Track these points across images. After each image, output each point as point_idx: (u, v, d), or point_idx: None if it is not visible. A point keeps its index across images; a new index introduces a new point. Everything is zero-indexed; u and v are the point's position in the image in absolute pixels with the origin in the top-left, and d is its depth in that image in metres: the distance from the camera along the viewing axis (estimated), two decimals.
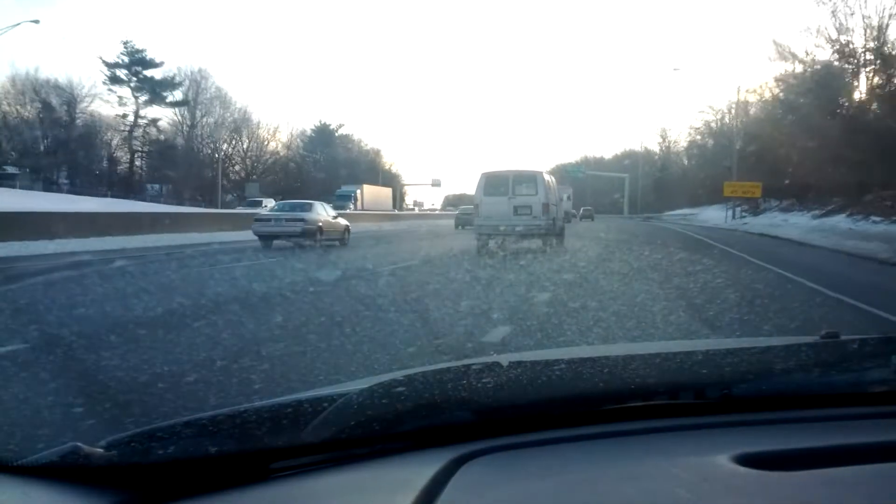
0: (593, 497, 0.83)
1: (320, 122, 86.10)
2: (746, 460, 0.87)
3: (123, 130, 61.75)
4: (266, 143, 71.36)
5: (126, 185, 56.87)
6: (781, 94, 45.41)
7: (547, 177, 17.32)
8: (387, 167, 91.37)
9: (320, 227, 19.25)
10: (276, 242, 18.36)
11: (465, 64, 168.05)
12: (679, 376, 1.13)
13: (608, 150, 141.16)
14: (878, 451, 0.91)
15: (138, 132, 62.62)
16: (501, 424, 1.00)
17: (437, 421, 0.99)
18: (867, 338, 1.28)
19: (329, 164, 77.86)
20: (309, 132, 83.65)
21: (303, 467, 0.93)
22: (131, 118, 61.79)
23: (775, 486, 0.82)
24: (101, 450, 0.92)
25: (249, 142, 69.92)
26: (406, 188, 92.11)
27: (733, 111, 55.66)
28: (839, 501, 0.80)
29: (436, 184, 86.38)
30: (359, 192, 59.89)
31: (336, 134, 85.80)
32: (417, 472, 0.86)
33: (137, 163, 63.69)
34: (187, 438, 0.95)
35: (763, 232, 29.09)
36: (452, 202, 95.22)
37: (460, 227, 35.11)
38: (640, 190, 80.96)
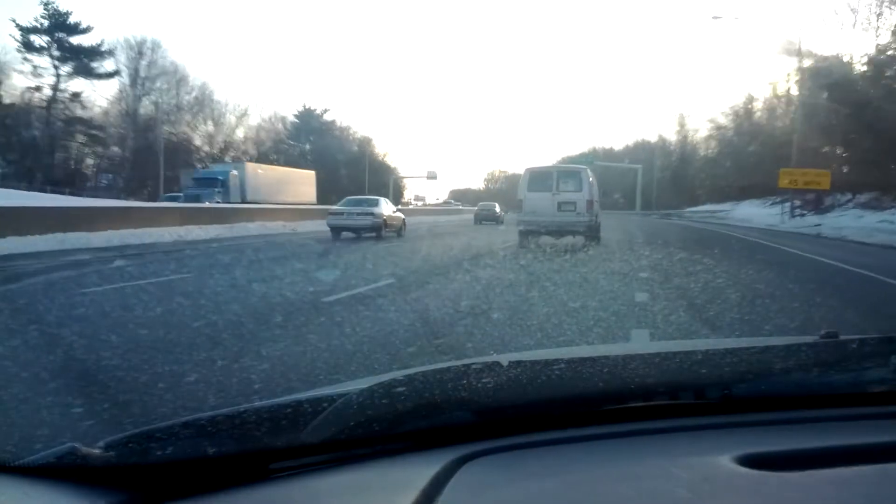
0: (594, 497, 0.83)
1: (304, 106, 77.86)
2: (747, 461, 0.86)
3: (40, 107, 49.95)
4: (234, 128, 63.15)
5: (68, 175, 48.35)
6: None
7: (590, 173, 17.34)
8: (380, 157, 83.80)
9: (385, 221, 21.45)
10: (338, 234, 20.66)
11: (462, 47, 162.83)
12: (679, 376, 1.13)
13: (618, 140, 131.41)
14: (879, 452, 0.91)
15: (59, 109, 50.75)
16: (502, 425, 1.00)
17: (437, 421, 0.99)
18: (867, 338, 1.28)
19: (320, 155, 69.34)
20: (291, 118, 75.51)
21: (302, 468, 0.93)
22: (50, 92, 50.06)
23: (776, 487, 0.81)
24: (99, 450, 0.92)
25: (215, 126, 61.43)
26: (404, 181, 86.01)
27: (790, 84, 45.93)
28: (840, 502, 0.80)
29: (431, 176, 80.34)
30: (233, 174, 38.22)
31: (321, 119, 78.14)
32: (417, 472, 0.86)
33: (82, 152, 53.31)
34: (186, 439, 0.94)
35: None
36: (458, 196, 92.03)
37: (480, 223, 37.13)
38: (656, 183, 71.84)
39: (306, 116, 76.64)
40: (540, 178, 16.83)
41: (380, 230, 20.91)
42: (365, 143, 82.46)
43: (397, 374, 1.10)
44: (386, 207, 22.20)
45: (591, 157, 67.87)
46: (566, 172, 17.41)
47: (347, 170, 67.74)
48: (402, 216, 23.92)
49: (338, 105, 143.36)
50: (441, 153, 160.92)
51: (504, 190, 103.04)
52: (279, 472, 0.92)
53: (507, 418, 1.01)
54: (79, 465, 0.91)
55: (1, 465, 0.97)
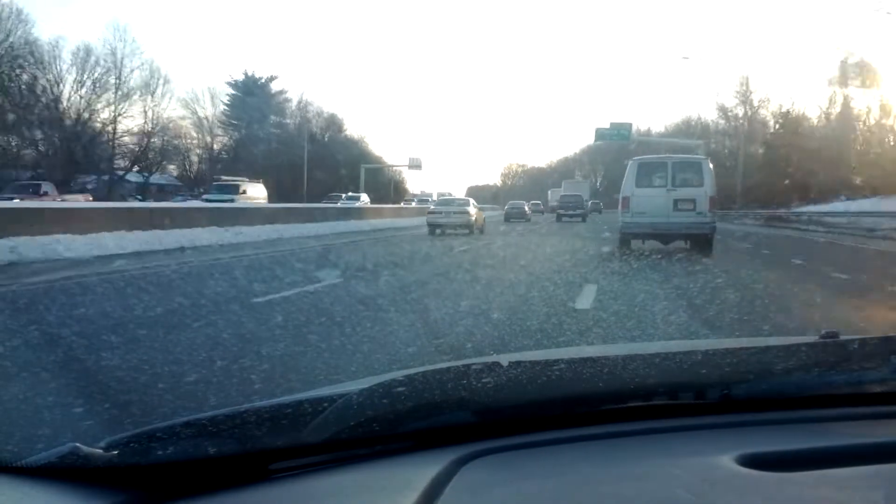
0: (594, 497, 0.83)
1: (245, 73, 61.82)
2: (747, 461, 0.87)
3: None
4: (155, 107, 47.60)
5: None
6: None
7: (711, 164, 14.83)
8: (354, 139, 69.96)
9: (475, 219, 24.32)
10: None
11: (473, 34, 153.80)
12: (679, 376, 1.13)
13: (656, 121, 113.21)
14: (879, 452, 0.91)
15: None
16: (502, 425, 1.00)
17: (437, 421, 0.99)
18: (867, 338, 1.27)
19: (279, 137, 57.27)
20: (227, 93, 59.43)
21: (303, 468, 0.93)
22: None
23: (776, 487, 0.82)
24: (100, 450, 0.92)
25: (116, 102, 45.02)
26: (401, 175, 76.71)
27: None
28: (840, 502, 0.80)
29: (414, 164, 70.45)
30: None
31: (268, 90, 61.74)
32: (418, 472, 0.86)
33: None
34: (187, 439, 0.94)
35: None
36: (474, 194, 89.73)
37: (511, 221, 38.78)
38: (740, 168, 50.71)
39: (248, 86, 61.13)
40: (650, 171, 14.18)
41: (472, 227, 23.63)
42: (331, 123, 68.19)
43: (397, 374, 1.10)
44: (474, 207, 24.95)
45: (626, 130, 51.76)
46: (684, 163, 14.62)
47: (314, 158, 55.67)
48: (484, 215, 27.21)
49: (293, 76, 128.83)
50: (424, 140, 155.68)
51: (521, 186, 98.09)
52: (280, 472, 0.92)
53: (507, 418, 1.01)
54: (80, 466, 0.91)
55: (2, 465, 0.97)
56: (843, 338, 1.26)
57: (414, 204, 58.25)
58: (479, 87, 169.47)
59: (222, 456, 0.91)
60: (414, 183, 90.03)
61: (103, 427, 2.99)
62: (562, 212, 42.58)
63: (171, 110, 57.48)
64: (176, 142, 54.17)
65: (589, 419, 1.03)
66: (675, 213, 13.69)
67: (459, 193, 71.72)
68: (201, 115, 58.24)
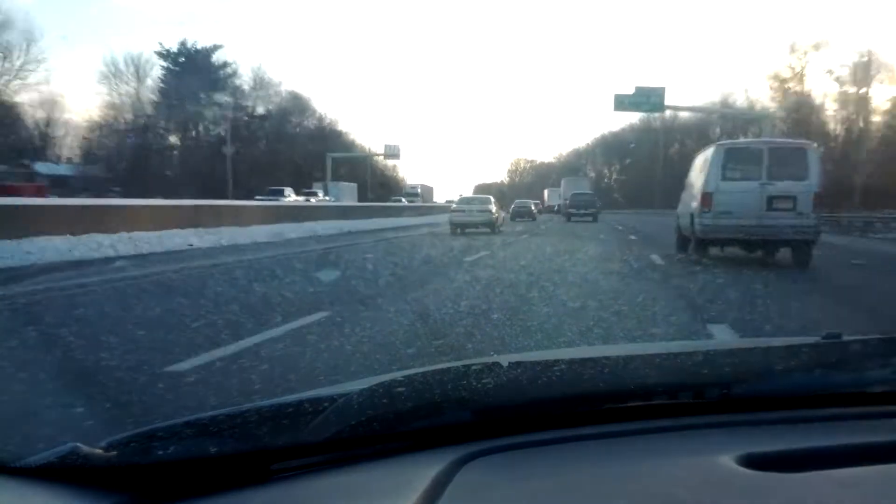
0: (594, 497, 0.83)
1: (183, 44, 51.35)
2: (747, 461, 0.87)
3: None
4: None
5: None
6: None
7: (817, 152, 12.07)
8: (323, 123, 61.17)
9: (497, 217, 24.56)
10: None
11: (475, 26, 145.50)
12: (679, 376, 1.13)
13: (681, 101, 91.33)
14: (880, 452, 0.91)
15: None
16: (502, 425, 1.00)
17: (437, 421, 0.99)
18: (869, 338, 1.27)
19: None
20: (162, 64, 49.67)
21: (303, 468, 0.93)
22: None
23: (776, 487, 0.82)
24: (100, 450, 0.92)
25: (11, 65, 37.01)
26: (394, 167, 71.96)
27: None
28: (840, 502, 0.80)
29: (391, 153, 63.57)
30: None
31: (209, 62, 51.07)
32: (418, 472, 0.86)
33: None
34: (187, 439, 0.95)
35: None
36: (482, 191, 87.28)
37: (517, 220, 38.32)
38: (862, 156, 39.38)
39: (188, 60, 50.17)
40: (740, 159, 11.40)
41: (493, 225, 23.75)
42: (295, 100, 57.84)
43: (397, 374, 1.10)
44: (494, 205, 24.92)
45: (657, 97, 36.66)
46: (783, 151, 11.55)
47: (269, 142, 48.87)
48: (503, 213, 27.93)
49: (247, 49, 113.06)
50: (461, 146, 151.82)
51: (529, 183, 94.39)
52: (280, 472, 0.92)
53: (507, 418, 1.01)
54: (81, 466, 0.91)
55: (2, 465, 0.97)
56: (844, 338, 1.26)
57: (404, 202, 52.14)
58: (485, 81, 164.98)
59: (223, 455, 0.92)
60: (416, 179, 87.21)
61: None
62: (573, 211, 39.90)
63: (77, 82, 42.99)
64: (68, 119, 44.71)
65: (589, 419, 1.03)
66: (769, 212, 10.94)
67: (467, 192, 68.82)
68: (124, 91, 49.69)
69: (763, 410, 1.06)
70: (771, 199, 11.01)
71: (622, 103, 37.36)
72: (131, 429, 1.01)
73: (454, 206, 26.72)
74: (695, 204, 11.85)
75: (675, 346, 1.64)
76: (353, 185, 53.04)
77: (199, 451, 0.92)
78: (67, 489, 0.90)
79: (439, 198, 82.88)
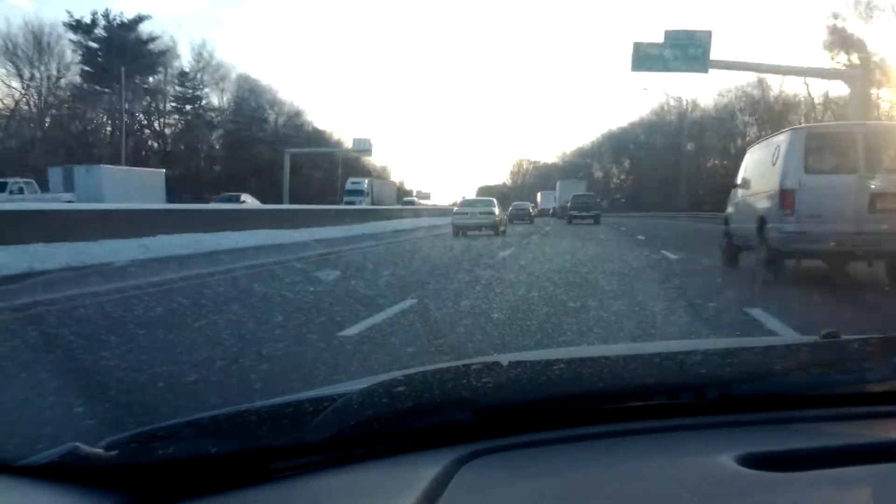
0: (594, 497, 0.83)
1: (101, 13, 40.66)
2: (747, 460, 0.87)
3: None
4: None
5: None
6: None
7: None
8: (293, 111, 54.31)
9: (501, 220, 24.40)
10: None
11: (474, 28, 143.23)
12: (679, 376, 1.13)
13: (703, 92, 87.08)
14: (879, 452, 0.91)
15: None
16: (502, 424, 1.00)
17: (437, 421, 0.99)
18: (868, 337, 1.28)
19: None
20: (72, 38, 38.99)
21: (303, 468, 0.93)
22: None
23: (776, 487, 0.82)
24: (101, 450, 0.93)
25: None
26: (385, 168, 66.11)
27: None
28: (840, 502, 0.80)
29: (361, 148, 56.39)
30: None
31: (131, 35, 41.16)
32: (418, 472, 0.86)
33: None
34: (188, 439, 0.95)
35: None
36: (484, 193, 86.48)
37: (515, 222, 37.35)
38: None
39: (109, 36, 39.67)
40: (829, 148, 8.66)
41: (497, 227, 23.59)
42: (251, 86, 48.64)
43: (397, 374, 1.10)
44: (497, 207, 24.80)
45: (698, 47, 25.12)
46: (884, 133, 8.93)
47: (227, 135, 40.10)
48: (505, 216, 28.11)
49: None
50: (463, 149, 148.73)
51: (532, 185, 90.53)
52: (280, 472, 0.92)
53: (507, 418, 1.01)
54: (81, 465, 0.91)
55: (3, 464, 0.97)
56: (843, 338, 1.26)
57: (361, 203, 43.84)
58: (485, 81, 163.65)
59: (223, 455, 0.92)
60: (420, 184, 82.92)
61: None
62: (574, 213, 37.66)
63: None
64: None
65: (589, 418, 1.03)
66: (871, 215, 8.06)
67: (470, 194, 62.28)
68: (29, 74, 40.00)
69: (763, 410, 1.06)
70: (874, 198, 8.13)
71: (647, 57, 25.88)
72: (132, 428, 1.01)
73: (456, 208, 26.74)
74: (766, 205, 9.02)
75: (675, 346, 1.64)
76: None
77: (199, 451, 0.92)
78: (68, 489, 0.90)
79: (443, 200, 79.39)
